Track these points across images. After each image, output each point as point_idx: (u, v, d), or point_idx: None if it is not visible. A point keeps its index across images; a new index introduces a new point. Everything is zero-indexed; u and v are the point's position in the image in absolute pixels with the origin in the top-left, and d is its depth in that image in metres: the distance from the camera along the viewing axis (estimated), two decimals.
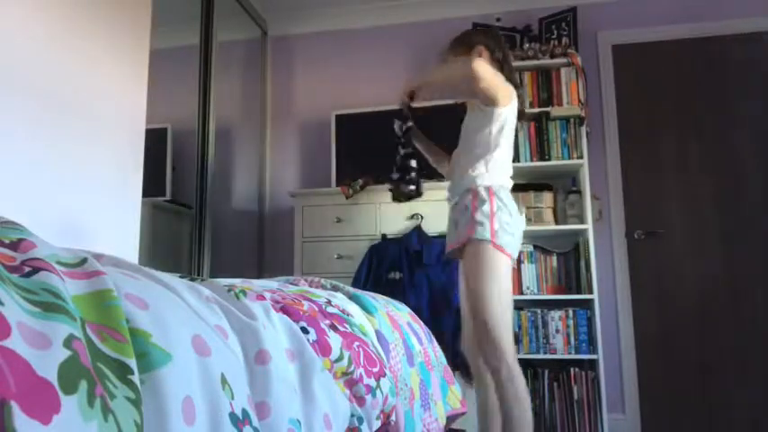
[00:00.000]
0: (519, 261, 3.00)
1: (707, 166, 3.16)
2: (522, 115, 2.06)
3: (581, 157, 2.97)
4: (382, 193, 3.03)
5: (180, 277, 0.76)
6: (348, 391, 0.84)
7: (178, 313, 0.57)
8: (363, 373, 0.87)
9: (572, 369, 2.86)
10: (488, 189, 1.85)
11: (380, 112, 3.32)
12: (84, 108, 1.78)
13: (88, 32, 1.80)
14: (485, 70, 1.77)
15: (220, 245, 3.11)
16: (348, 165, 3.26)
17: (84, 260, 0.55)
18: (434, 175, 3.06)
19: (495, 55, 1.98)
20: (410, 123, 2.00)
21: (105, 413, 0.40)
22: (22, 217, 0.72)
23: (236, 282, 1.02)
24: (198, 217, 2.89)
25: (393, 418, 0.96)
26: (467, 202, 1.86)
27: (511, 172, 1.98)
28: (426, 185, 3.07)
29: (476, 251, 1.80)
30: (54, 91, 1.65)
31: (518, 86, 2.00)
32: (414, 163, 1.98)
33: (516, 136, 3.04)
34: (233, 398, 0.56)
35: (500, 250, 1.80)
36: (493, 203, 1.83)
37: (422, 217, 2.94)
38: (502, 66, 1.97)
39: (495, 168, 1.90)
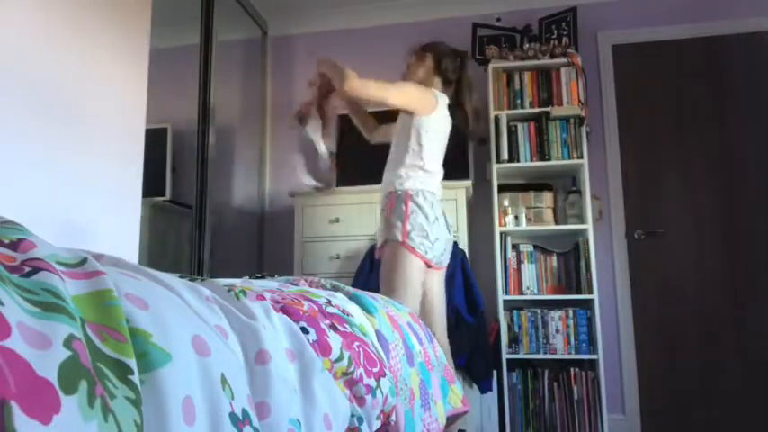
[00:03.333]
0: (519, 261, 3.01)
1: (707, 166, 3.16)
2: (468, 134, 2.23)
3: (581, 157, 2.97)
4: None
5: (180, 277, 0.76)
6: (348, 391, 0.84)
7: (178, 313, 0.57)
8: (363, 373, 0.87)
9: (572, 369, 2.86)
10: (405, 192, 1.95)
11: (380, 113, 3.31)
12: (85, 108, 1.78)
13: (88, 32, 1.80)
14: (393, 89, 1.95)
15: (220, 245, 3.11)
16: (348, 165, 3.26)
17: (84, 260, 0.55)
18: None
19: (445, 71, 2.15)
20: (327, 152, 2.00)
21: (105, 413, 0.40)
22: (22, 217, 0.72)
23: (237, 282, 1.02)
24: (198, 217, 2.89)
25: (393, 418, 0.96)
26: (383, 206, 1.99)
27: (438, 177, 2.07)
28: None
29: (391, 252, 1.91)
30: (54, 91, 1.65)
31: (458, 104, 2.15)
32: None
33: (516, 136, 3.06)
34: (233, 398, 0.56)
35: (411, 251, 1.89)
36: (408, 206, 1.92)
37: None
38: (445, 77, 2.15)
39: (416, 174, 1.99)
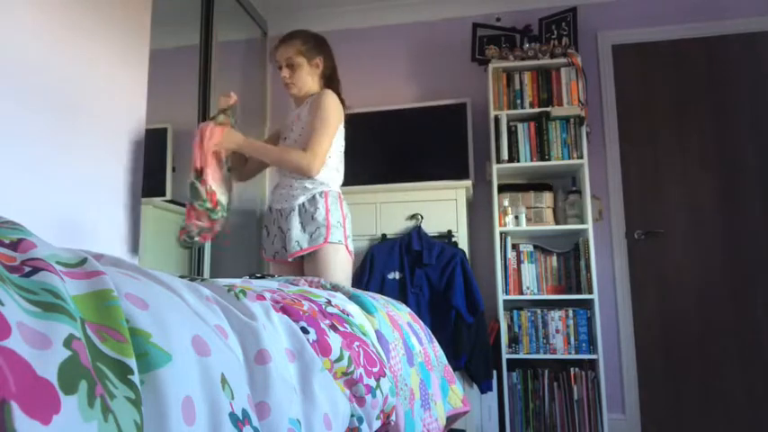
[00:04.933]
0: (519, 261, 3.01)
1: (707, 166, 3.16)
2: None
3: (581, 157, 2.97)
4: (382, 194, 3.03)
5: (180, 277, 0.76)
6: (348, 391, 0.84)
7: (178, 313, 0.57)
8: (363, 373, 0.87)
9: (572, 369, 2.86)
10: (337, 195, 1.99)
11: (380, 113, 3.32)
12: (85, 108, 1.77)
13: (88, 32, 1.80)
14: (320, 162, 1.93)
15: (220, 245, 3.11)
16: (347, 165, 3.26)
17: (84, 260, 0.55)
18: (434, 176, 3.07)
19: (327, 66, 2.17)
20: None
21: (105, 413, 0.40)
22: (22, 217, 0.72)
23: (237, 282, 1.02)
24: None
25: (393, 418, 0.96)
26: (317, 206, 1.94)
27: (342, 178, 2.10)
28: (429, 184, 3.07)
29: (333, 254, 1.90)
30: (54, 91, 1.65)
31: (343, 101, 2.13)
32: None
33: (516, 136, 3.06)
34: (233, 398, 0.56)
35: (349, 253, 1.95)
36: (342, 209, 1.96)
37: (421, 217, 2.94)
38: (330, 78, 2.18)
39: (336, 175, 2.04)
